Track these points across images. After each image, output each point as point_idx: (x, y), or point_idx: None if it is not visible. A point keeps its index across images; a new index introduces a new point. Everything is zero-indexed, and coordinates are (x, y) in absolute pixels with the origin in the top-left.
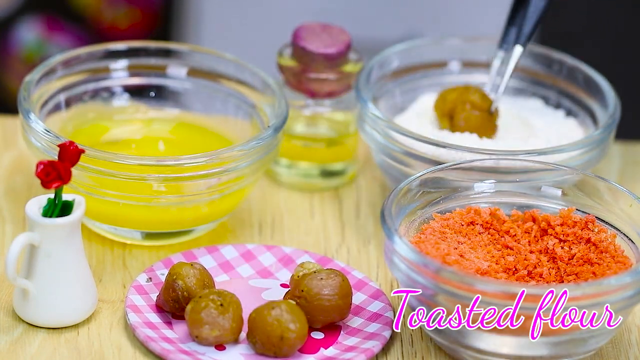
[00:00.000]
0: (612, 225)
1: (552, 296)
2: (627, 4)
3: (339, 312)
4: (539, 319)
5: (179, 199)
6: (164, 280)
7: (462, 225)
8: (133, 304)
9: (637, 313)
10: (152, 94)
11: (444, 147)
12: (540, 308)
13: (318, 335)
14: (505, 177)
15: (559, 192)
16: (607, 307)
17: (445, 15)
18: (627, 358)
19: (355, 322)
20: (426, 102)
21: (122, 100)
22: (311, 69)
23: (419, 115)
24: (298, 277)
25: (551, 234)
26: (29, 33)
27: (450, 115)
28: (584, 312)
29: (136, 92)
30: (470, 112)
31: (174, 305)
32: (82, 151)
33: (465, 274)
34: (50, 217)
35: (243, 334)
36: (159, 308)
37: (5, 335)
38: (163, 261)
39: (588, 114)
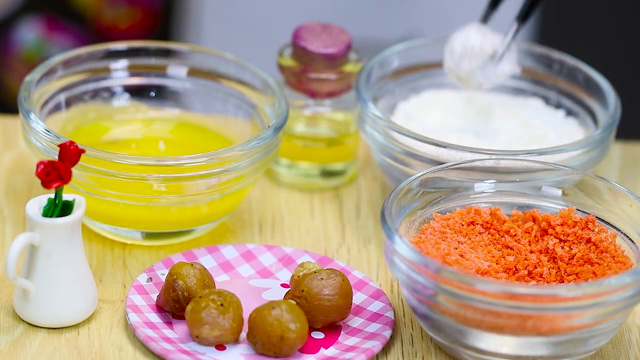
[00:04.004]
0: (612, 225)
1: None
2: (627, 3)
3: (340, 312)
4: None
5: (179, 199)
6: (164, 280)
7: (463, 225)
8: (133, 303)
9: (637, 313)
10: (153, 94)
11: (444, 147)
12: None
13: (318, 335)
14: (506, 177)
15: (559, 192)
16: (606, 307)
17: (445, 15)
18: (627, 358)
19: (355, 322)
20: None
21: (123, 100)
22: (311, 69)
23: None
24: (298, 277)
25: (551, 234)
26: (29, 33)
27: None
28: (584, 312)
29: (136, 92)
30: None
31: (174, 305)
32: (83, 151)
33: (465, 274)
34: (51, 217)
35: (243, 334)
36: (159, 308)
37: (5, 335)
38: (163, 261)
39: (588, 114)
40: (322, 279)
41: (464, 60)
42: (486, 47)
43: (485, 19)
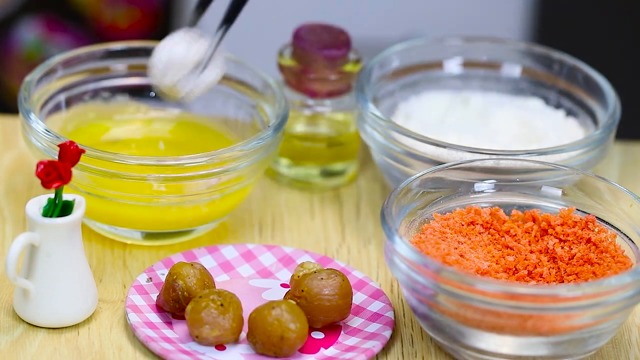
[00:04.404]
0: (612, 225)
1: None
2: (627, 3)
3: (339, 312)
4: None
5: (179, 199)
6: (164, 280)
7: (463, 225)
8: (133, 303)
9: (637, 313)
10: (152, 94)
11: (444, 147)
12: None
13: (318, 335)
14: (506, 177)
15: (559, 192)
16: (606, 307)
17: (445, 15)
18: (627, 358)
19: (355, 322)
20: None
21: (123, 100)
22: (311, 69)
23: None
24: (298, 277)
25: (551, 234)
26: (29, 33)
27: None
28: (584, 312)
29: (136, 92)
30: None
31: (174, 305)
32: (83, 151)
33: (465, 274)
34: (51, 217)
35: (243, 334)
36: (159, 308)
37: (5, 335)
38: (163, 261)
39: (588, 114)
40: (322, 279)
41: (168, 71)
42: (191, 57)
43: (194, 22)
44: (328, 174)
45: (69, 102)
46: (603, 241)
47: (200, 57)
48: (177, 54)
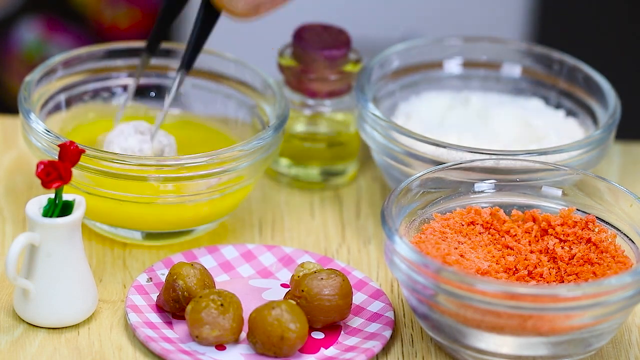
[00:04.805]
0: (612, 225)
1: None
2: (627, 3)
3: (340, 312)
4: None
5: (179, 199)
6: (164, 280)
7: (463, 225)
8: (133, 304)
9: (637, 313)
10: (153, 94)
11: (444, 147)
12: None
13: (318, 335)
14: (506, 177)
15: (559, 192)
16: (606, 307)
17: (445, 15)
18: (627, 358)
19: (355, 322)
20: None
21: (123, 100)
22: (311, 69)
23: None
24: (298, 277)
25: (551, 234)
26: (29, 33)
27: None
28: (584, 312)
29: (136, 92)
30: None
31: (174, 305)
32: (83, 151)
33: (465, 274)
34: (51, 217)
35: (243, 334)
36: (159, 308)
37: (5, 335)
38: (163, 261)
39: (588, 114)
40: (322, 279)
41: None
42: (145, 148)
43: (142, 68)
44: (328, 173)
45: (69, 102)
46: (603, 241)
47: (155, 148)
48: (132, 147)
